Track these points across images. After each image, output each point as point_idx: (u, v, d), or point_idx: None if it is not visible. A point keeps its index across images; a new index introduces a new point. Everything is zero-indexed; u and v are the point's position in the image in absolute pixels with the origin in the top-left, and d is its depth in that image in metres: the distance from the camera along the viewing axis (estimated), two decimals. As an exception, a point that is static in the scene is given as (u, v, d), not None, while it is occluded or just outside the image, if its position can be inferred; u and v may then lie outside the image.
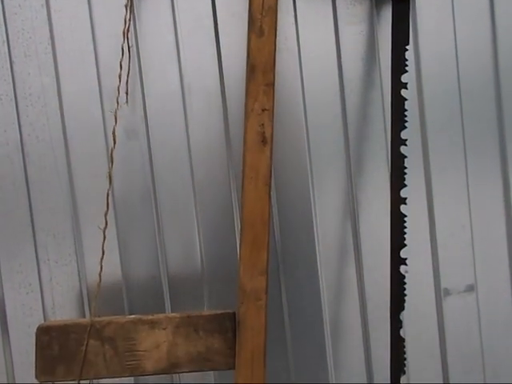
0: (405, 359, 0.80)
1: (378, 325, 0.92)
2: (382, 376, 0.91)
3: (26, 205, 0.87)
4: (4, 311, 0.88)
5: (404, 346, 0.81)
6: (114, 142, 0.83)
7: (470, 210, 0.94)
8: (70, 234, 0.88)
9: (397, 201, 0.83)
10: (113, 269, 0.89)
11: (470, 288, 0.95)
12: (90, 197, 0.87)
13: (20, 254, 0.88)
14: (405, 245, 0.82)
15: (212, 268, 0.90)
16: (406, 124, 0.85)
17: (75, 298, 0.89)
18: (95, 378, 0.79)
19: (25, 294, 0.88)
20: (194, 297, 0.90)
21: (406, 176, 0.84)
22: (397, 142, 0.85)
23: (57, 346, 0.78)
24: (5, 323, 0.88)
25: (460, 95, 0.93)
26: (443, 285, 0.95)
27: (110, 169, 0.84)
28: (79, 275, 0.88)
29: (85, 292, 0.89)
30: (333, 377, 0.93)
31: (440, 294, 0.95)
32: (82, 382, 0.77)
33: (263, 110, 0.79)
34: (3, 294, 0.88)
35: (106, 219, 0.82)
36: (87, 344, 0.78)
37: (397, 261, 0.82)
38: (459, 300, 0.95)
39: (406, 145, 0.84)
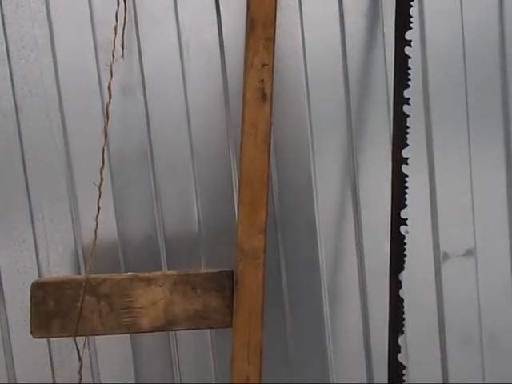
0: (403, 319, 0.80)
1: (376, 288, 0.92)
2: (380, 338, 0.91)
3: (19, 161, 0.86)
4: (-2, 269, 0.88)
5: (403, 307, 0.80)
6: (110, 97, 0.81)
7: (471, 172, 0.92)
8: (65, 192, 0.86)
9: (398, 160, 0.81)
10: (108, 228, 0.87)
11: (470, 252, 0.95)
12: (85, 153, 0.85)
13: (14, 211, 0.86)
14: (405, 205, 0.81)
15: (209, 228, 0.89)
16: (409, 83, 0.83)
17: (70, 256, 0.88)
18: (91, 335, 0.78)
19: (19, 252, 0.87)
20: (191, 257, 0.89)
21: (407, 136, 0.82)
22: (399, 100, 0.82)
23: (52, 301, 0.76)
24: (-1, 280, 0.88)
25: (464, 53, 0.90)
26: (442, 249, 0.94)
27: (106, 124, 0.82)
28: (74, 234, 0.87)
29: (80, 250, 0.88)
30: (330, 339, 0.93)
31: (439, 257, 0.94)
32: (77, 338, 0.77)
33: (263, 66, 0.77)
34: (-3, 251, 0.87)
35: (101, 175, 0.80)
36: (83, 300, 0.77)
37: (397, 221, 0.80)
38: (458, 264, 0.95)
39: (408, 104, 0.82)
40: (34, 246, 0.87)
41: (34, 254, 0.87)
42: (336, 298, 0.93)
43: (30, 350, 0.87)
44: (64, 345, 0.88)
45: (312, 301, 0.91)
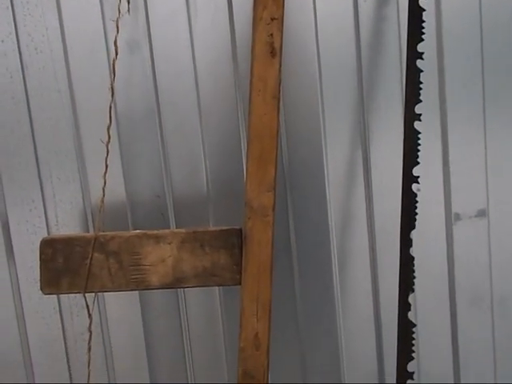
0: (414, 277, 0.79)
1: (386, 248, 0.91)
2: (389, 297, 0.91)
3: (26, 120, 0.84)
4: (8, 228, 0.87)
5: (413, 265, 0.80)
6: (116, 53, 0.79)
7: (485, 132, 0.90)
8: (73, 151, 0.86)
9: (411, 117, 0.79)
10: (116, 187, 0.87)
11: (482, 213, 0.93)
12: (92, 111, 0.84)
13: (22, 170, 0.86)
14: (417, 163, 0.80)
15: (218, 187, 0.88)
16: (423, 36, 0.80)
17: (79, 215, 0.87)
18: (100, 291, 0.78)
19: (28, 211, 0.87)
20: (199, 217, 0.88)
21: (421, 91, 0.80)
22: (413, 55, 0.80)
23: (61, 258, 0.77)
24: (9, 240, 0.87)
25: (480, 4, 0.87)
26: (454, 209, 0.93)
27: (112, 81, 0.81)
28: (82, 192, 0.87)
29: (88, 210, 0.87)
30: (339, 299, 0.93)
31: (450, 219, 0.93)
32: (87, 295, 0.78)
33: (272, 19, 0.75)
34: (6, 210, 0.86)
35: (108, 133, 0.79)
36: (91, 257, 0.77)
37: (409, 178, 0.79)
38: (470, 225, 0.93)
39: (422, 58, 0.80)
40: (42, 205, 0.86)
41: (43, 213, 0.87)
42: (345, 258, 0.92)
43: (40, 308, 0.88)
44: (74, 303, 0.88)
45: (321, 260, 0.91)
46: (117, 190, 0.87)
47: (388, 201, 0.90)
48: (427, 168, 0.86)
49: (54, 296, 0.88)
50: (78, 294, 0.86)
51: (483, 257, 0.94)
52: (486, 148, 0.91)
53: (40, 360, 0.90)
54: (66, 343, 0.90)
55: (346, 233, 0.92)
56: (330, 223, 0.91)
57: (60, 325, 0.89)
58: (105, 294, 0.89)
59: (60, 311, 0.89)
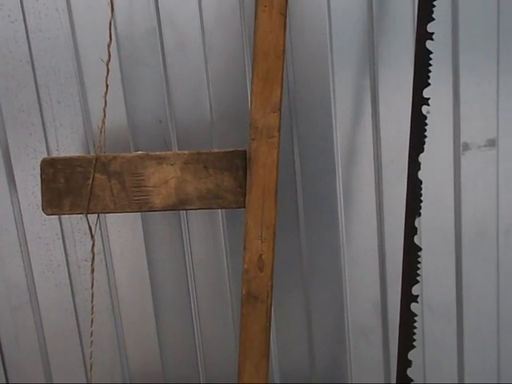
0: (421, 201, 0.78)
1: (392, 177, 0.90)
2: (394, 227, 0.90)
3: (23, 40, 0.81)
4: (8, 153, 0.85)
5: (421, 189, 0.78)
6: (115, -33, 0.76)
7: (498, 56, 0.87)
8: (72, 72, 0.83)
9: (422, 35, 0.76)
10: (117, 111, 0.84)
11: (491, 143, 0.91)
12: (92, 31, 0.81)
13: (21, 93, 0.83)
14: (429, 84, 0.77)
15: (221, 112, 0.85)
16: (438, -49, 0.77)
17: (79, 139, 0.85)
18: (102, 213, 0.77)
19: (28, 135, 0.85)
20: (202, 143, 0.86)
21: (433, 9, 0.77)
22: (426, -30, 0.77)
23: (62, 179, 0.75)
24: (9, 165, 0.86)
25: None
26: (463, 138, 0.91)
27: (112, -4, 0.78)
28: (83, 116, 0.84)
29: (89, 134, 0.85)
30: (343, 226, 0.91)
31: (459, 148, 0.91)
32: (89, 217, 0.77)
33: None
34: (6, 135, 0.84)
35: (109, 51, 0.77)
36: (93, 178, 0.76)
37: (419, 100, 0.77)
38: (478, 155, 0.91)
39: (436, -25, 0.76)
40: (42, 129, 0.84)
41: (43, 137, 0.85)
42: (351, 185, 0.90)
43: (42, 234, 0.87)
44: (76, 229, 0.88)
45: (326, 187, 0.89)
46: (118, 115, 0.84)
47: (395, 130, 0.88)
48: (436, 93, 0.83)
49: (57, 222, 0.87)
50: (80, 221, 0.87)
51: (491, 187, 0.92)
52: (498, 75, 0.88)
53: (43, 285, 0.90)
54: (69, 269, 0.90)
55: (351, 159, 0.89)
56: (335, 150, 0.88)
57: (63, 251, 0.88)
58: (107, 221, 0.88)
59: (63, 237, 0.88)
